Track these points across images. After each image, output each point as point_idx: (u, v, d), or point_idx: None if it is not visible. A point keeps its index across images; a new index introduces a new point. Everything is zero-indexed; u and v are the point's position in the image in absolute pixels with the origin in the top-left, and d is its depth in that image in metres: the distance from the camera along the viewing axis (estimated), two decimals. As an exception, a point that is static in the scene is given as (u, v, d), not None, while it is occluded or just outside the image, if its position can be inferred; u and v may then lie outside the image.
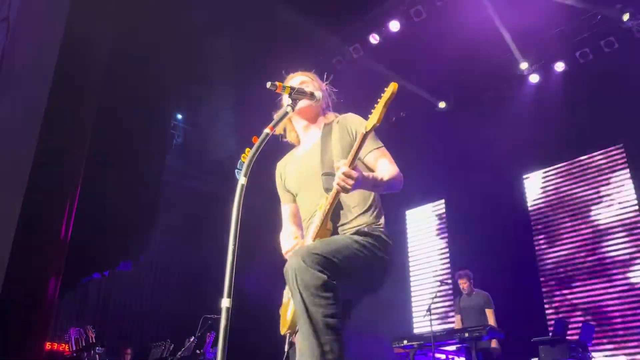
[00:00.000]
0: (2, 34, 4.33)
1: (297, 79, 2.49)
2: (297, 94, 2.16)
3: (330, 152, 2.30)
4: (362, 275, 2.12)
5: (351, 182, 1.97)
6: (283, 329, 2.24)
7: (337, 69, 8.75)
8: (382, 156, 2.30)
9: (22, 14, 4.68)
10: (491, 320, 6.59)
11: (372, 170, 2.26)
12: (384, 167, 2.25)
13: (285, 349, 2.20)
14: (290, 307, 2.17)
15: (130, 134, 7.20)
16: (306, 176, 2.38)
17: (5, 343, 4.10)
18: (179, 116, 11.38)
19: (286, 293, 2.28)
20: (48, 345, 7.68)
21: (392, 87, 2.00)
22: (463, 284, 6.94)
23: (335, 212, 2.22)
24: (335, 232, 2.21)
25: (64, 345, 8.37)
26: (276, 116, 2.09)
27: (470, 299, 6.92)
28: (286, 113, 2.10)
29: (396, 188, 2.26)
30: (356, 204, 2.27)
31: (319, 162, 2.31)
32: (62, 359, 7.86)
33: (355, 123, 2.36)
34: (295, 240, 2.30)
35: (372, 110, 2.01)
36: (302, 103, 2.29)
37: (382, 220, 2.31)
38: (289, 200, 2.54)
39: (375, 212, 2.30)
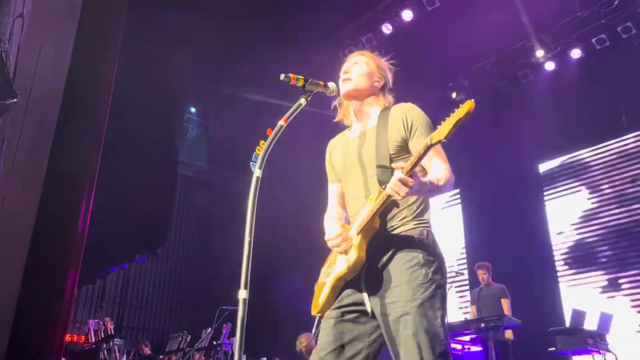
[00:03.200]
0: (18, 30, 4.36)
1: (351, 60, 2.37)
2: (310, 85, 2.15)
3: (387, 144, 2.19)
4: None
5: (406, 190, 1.86)
6: (314, 311, 2.20)
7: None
8: (437, 155, 2.14)
9: (36, 10, 4.71)
10: (506, 311, 6.58)
11: (424, 168, 2.15)
12: (438, 168, 2.11)
13: (313, 331, 2.19)
14: (324, 290, 2.15)
15: (144, 130, 7.25)
16: (356, 162, 2.26)
17: (27, 335, 4.18)
18: (193, 109, 11.41)
19: (324, 272, 2.24)
20: (68, 337, 7.79)
21: (467, 106, 1.87)
22: (482, 274, 6.97)
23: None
24: (381, 227, 2.12)
25: (83, 337, 8.49)
26: (291, 109, 2.07)
27: (488, 290, 6.94)
28: (300, 104, 2.09)
29: (447, 190, 2.14)
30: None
31: (374, 151, 2.20)
32: (82, 351, 7.97)
33: (415, 116, 2.21)
34: (340, 228, 2.16)
35: (442, 122, 1.88)
36: (350, 85, 2.24)
37: (427, 216, 2.20)
38: (336, 180, 2.42)
39: (422, 206, 2.19)
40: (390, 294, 2.02)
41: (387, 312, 2.00)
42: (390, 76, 2.40)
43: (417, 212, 2.16)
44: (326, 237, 2.21)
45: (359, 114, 2.36)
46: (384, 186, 1.97)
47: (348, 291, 2.13)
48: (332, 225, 2.30)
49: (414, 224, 2.13)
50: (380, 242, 2.10)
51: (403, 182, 1.85)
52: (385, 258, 2.08)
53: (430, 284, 2.01)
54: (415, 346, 1.90)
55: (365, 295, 2.08)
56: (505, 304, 6.70)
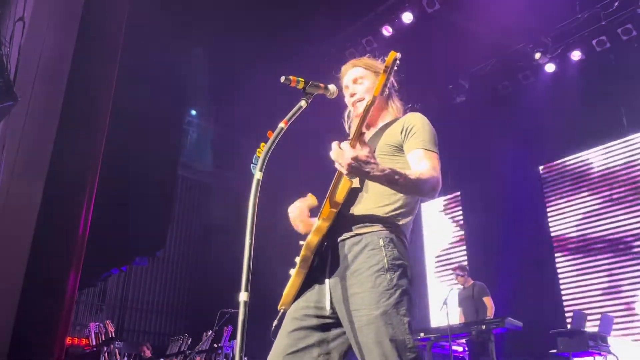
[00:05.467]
0: (18, 33, 4.37)
1: (351, 75, 2.31)
2: (311, 87, 2.14)
3: (378, 142, 2.15)
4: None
5: (347, 160, 1.77)
6: (280, 304, 2.12)
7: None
8: (427, 158, 2.03)
9: (37, 13, 4.72)
10: (489, 307, 6.76)
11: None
12: (419, 166, 2.00)
13: (274, 324, 2.12)
14: (287, 286, 2.08)
15: (145, 132, 7.25)
16: None
17: (28, 338, 4.17)
18: (193, 112, 11.42)
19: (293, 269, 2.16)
20: (68, 340, 7.79)
21: (390, 57, 1.88)
22: (458, 279, 7.16)
23: (359, 196, 2.09)
24: (351, 218, 2.06)
25: (84, 339, 8.48)
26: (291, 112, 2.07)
27: (466, 291, 7.11)
28: (300, 107, 2.09)
29: (426, 193, 1.99)
30: (383, 192, 2.05)
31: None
32: (82, 354, 7.97)
33: (416, 123, 2.13)
34: (303, 201, 2.20)
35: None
36: (362, 105, 2.11)
37: (403, 222, 2.08)
38: None
39: (399, 211, 2.07)
40: (355, 300, 1.93)
41: (352, 320, 1.92)
42: (392, 91, 2.34)
43: (390, 214, 2.05)
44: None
45: (370, 127, 2.32)
46: (365, 135, 1.88)
47: (313, 289, 2.06)
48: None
49: (382, 227, 2.03)
50: (347, 235, 2.04)
51: (344, 149, 1.79)
52: (350, 256, 2.01)
53: (396, 290, 1.92)
54: (381, 356, 1.83)
55: (326, 289, 2.01)
56: (487, 301, 6.87)
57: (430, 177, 1.97)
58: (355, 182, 2.09)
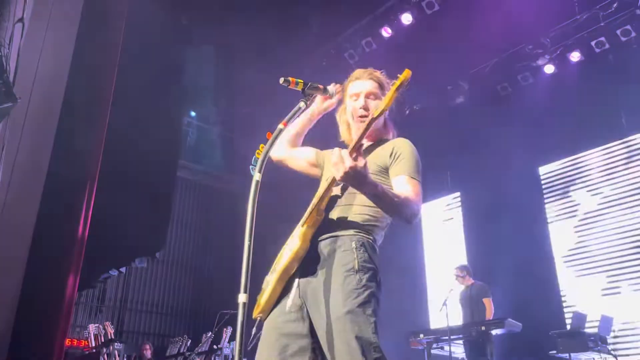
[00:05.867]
0: (18, 34, 4.37)
1: (366, 86, 2.30)
2: (310, 88, 2.15)
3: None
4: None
5: (343, 168, 1.83)
6: (255, 312, 2.15)
7: (349, 63, 8.73)
8: (411, 185, 2.09)
9: (36, 15, 4.72)
10: (487, 309, 6.70)
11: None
12: (405, 190, 2.06)
13: (253, 332, 2.15)
14: (268, 288, 2.11)
15: (144, 133, 7.24)
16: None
17: (27, 340, 4.17)
18: (193, 113, 11.41)
19: (267, 280, 2.18)
20: (68, 342, 7.78)
21: (405, 74, 1.91)
22: (458, 280, 7.15)
23: (337, 202, 2.16)
24: (329, 222, 2.12)
25: (83, 341, 8.47)
26: (290, 113, 2.07)
27: (466, 292, 7.11)
28: (299, 109, 2.09)
29: (406, 216, 2.02)
30: (363, 203, 2.13)
31: None
32: (82, 355, 7.96)
33: (404, 150, 2.19)
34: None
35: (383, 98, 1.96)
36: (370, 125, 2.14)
37: (374, 234, 2.16)
38: (315, 159, 2.48)
39: (372, 223, 2.14)
40: (324, 298, 1.99)
41: (321, 316, 1.98)
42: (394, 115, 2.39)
43: (365, 223, 2.13)
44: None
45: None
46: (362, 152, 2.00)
47: (290, 294, 2.10)
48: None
49: (356, 232, 2.10)
50: (323, 237, 2.11)
51: (343, 157, 1.84)
52: (323, 256, 2.07)
53: (364, 290, 1.97)
54: (346, 353, 1.87)
55: (294, 288, 2.07)
56: (487, 302, 6.86)
57: (414, 203, 2.03)
58: (336, 190, 2.16)
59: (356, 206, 2.15)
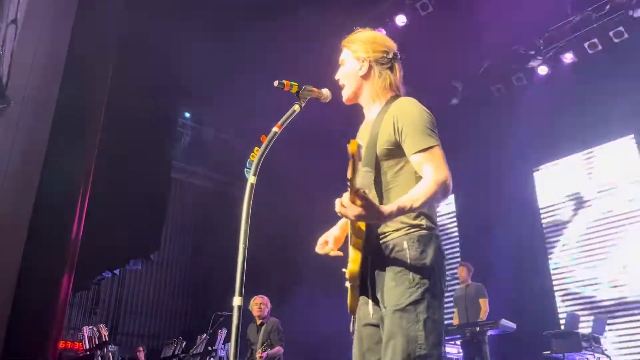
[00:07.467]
0: (11, 36, 4.36)
1: (341, 56, 2.30)
2: (304, 91, 2.16)
3: (375, 145, 2.10)
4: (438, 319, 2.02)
5: (351, 213, 1.75)
6: (349, 309, 2.22)
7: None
8: (428, 161, 1.98)
9: (29, 16, 4.70)
10: (484, 309, 6.72)
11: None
12: (421, 183, 1.95)
13: (350, 328, 2.23)
14: (348, 295, 2.17)
15: (138, 134, 7.23)
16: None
17: (21, 342, 4.15)
18: (187, 114, 11.39)
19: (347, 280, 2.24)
20: (62, 344, 7.75)
21: (352, 145, 1.65)
22: (461, 272, 7.16)
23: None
24: (373, 234, 2.08)
25: (77, 343, 8.44)
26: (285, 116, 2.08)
27: (465, 290, 7.15)
28: (294, 111, 2.10)
29: (441, 198, 1.97)
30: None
31: (365, 149, 2.09)
32: (76, 358, 7.93)
33: (405, 120, 2.06)
34: (329, 237, 2.27)
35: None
36: (344, 92, 2.21)
37: (424, 219, 2.06)
38: None
39: (423, 210, 2.03)
40: (383, 301, 2.02)
41: (382, 319, 2.01)
42: (370, 47, 2.24)
43: (412, 217, 2.03)
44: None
45: (367, 106, 2.29)
46: (362, 190, 1.79)
47: (362, 301, 2.15)
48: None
49: (407, 229, 2.04)
50: (374, 249, 2.06)
51: (347, 207, 1.75)
52: (381, 263, 2.05)
53: (417, 288, 1.96)
54: (390, 350, 1.91)
55: (370, 304, 2.11)
56: (483, 303, 6.89)
57: (441, 182, 1.92)
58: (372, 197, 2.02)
59: (394, 193, 2.08)
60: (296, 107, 2.10)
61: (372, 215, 1.78)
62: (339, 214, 1.81)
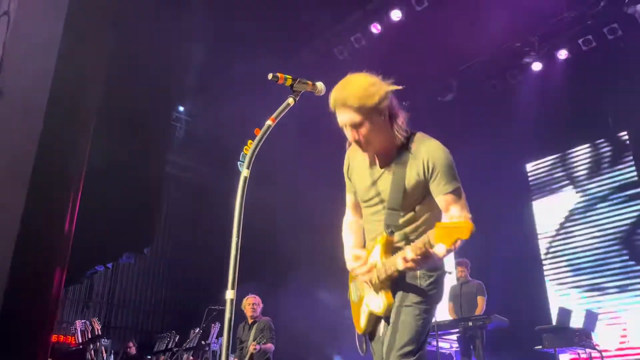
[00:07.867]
0: (3, 28, 4.32)
1: (345, 118, 2.17)
2: (299, 84, 2.15)
3: (401, 187, 2.23)
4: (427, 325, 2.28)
5: (411, 265, 2.06)
6: (358, 330, 2.42)
7: (339, 59, 8.72)
8: (454, 202, 2.19)
9: (22, 7, 4.66)
10: (480, 308, 6.74)
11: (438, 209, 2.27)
12: (452, 213, 2.21)
13: (358, 346, 2.43)
14: (362, 318, 2.37)
15: (131, 128, 7.19)
16: (372, 196, 2.33)
17: (13, 336, 4.14)
18: (181, 108, 11.33)
19: (354, 290, 2.44)
20: (54, 338, 7.73)
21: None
22: (461, 271, 7.14)
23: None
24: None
25: (70, 337, 8.42)
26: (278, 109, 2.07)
27: (464, 287, 7.12)
28: (288, 104, 2.09)
29: (467, 238, 1.99)
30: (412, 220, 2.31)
31: (388, 191, 2.26)
32: (69, 351, 7.91)
33: (437, 161, 2.20)
34: (360, 252, 2.35)
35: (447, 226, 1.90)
36: (370, 149, 2.26)
37: None
38: (352, 191, 2.52)
39: (429, 223, 2.29)
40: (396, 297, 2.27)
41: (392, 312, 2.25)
42: (384, 95, 2.21)
43: (422, 231, 2.24)
44: (346, 253, 2.44)
45: (379, 158, 2.35)
46: (389, 230, 2.19)
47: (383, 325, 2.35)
48: (350, 244, 2.47)
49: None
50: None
51: (406, 260, 2.05)
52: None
53: (422, 294, 2.23)
54: (390, 335, 2.18)
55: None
56: (481, 301, 6.88)
57: (468, 224, 1.92)
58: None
59: (409, 225, 2.31)
60: (290, 101, 2.10)
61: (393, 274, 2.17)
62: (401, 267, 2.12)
